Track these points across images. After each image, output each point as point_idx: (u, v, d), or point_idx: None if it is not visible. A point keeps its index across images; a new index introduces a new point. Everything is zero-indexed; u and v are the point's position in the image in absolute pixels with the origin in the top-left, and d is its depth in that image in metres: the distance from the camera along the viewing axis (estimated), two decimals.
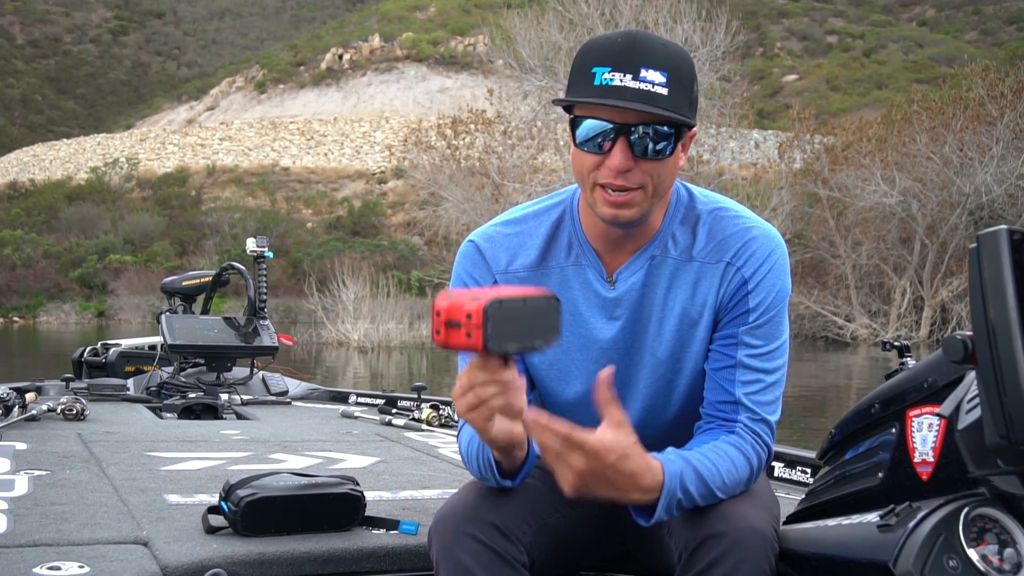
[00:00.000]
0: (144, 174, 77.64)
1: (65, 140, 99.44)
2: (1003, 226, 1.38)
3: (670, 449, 1.70)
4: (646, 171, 1.69)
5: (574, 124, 1.72)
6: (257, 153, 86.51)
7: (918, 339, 26.11)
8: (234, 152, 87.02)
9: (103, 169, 75.01)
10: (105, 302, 46.51)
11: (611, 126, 1.67)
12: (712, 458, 1.71)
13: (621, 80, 1.64)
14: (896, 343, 1.88)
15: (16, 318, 45.92)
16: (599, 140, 1.69)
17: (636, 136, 1.67)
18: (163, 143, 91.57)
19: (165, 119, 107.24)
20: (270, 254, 5.72)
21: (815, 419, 10.55)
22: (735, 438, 1.76)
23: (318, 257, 43.47)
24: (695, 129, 1.77)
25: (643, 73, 1.64)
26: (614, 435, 1.54)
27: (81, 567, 1.89)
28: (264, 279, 5.63)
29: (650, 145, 1.67)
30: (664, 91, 1.64)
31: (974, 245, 1.39)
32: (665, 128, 1.67)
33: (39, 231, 55.69)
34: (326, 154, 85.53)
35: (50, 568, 1.88)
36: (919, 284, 27.98)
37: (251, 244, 5.78)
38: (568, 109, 1.74)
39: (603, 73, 1.65)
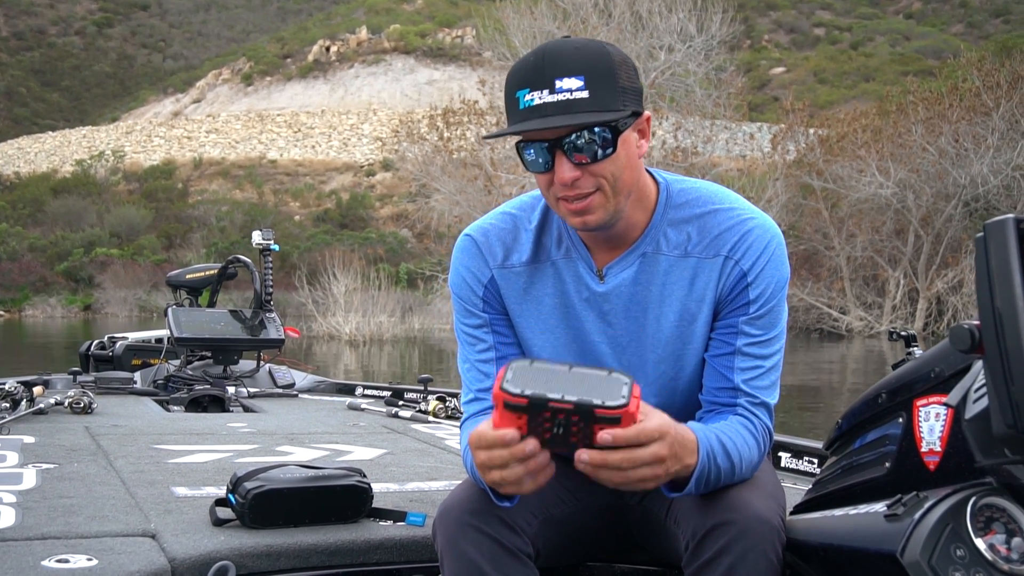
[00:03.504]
0: (130, 167, 77.33)
1: (50, 133, 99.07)
2: (1010, 215, 1.37)
3: (690, 423, 1.71)
4: (596, 174, 1.70)
5: (519, 150, 1.75)
6: (244, 146, 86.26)
7: (913, 331, 26.16)
8: (221, 145, 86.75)
9: (89, 162, 74.63)
10: (92, 295, 46.32)
11: (544, 144, 1.69)
12: (729, 433, 1.72)
13: (540, 98, 1.65)
14: (903, 332, 1.89)
15: (1, 312, 45.68)
16: (540, 160, 1.71)
17: (572, 145, 1.68)
18: (149, 136, 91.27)
19: (151, 111, 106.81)
20: (276, 247, 5.69)
21: (812, 412, 10.59)
22: (741, 419, 1.77)
23: (306, 250, 43.37)
24: (647, 113, 1.77)
25: (559, 84, 1.64)
26: (651, 410, 1.54)
27: (89, 560, 1.89)
28: (270, 272, 5.62)
29: (590, 148, 1.68)
30: (584, 94, 1.64)
31: (981, 234, 1.38)
32: (598, 130, 1.68)
33: (24, 224, 55.39)
34: (313, 147, 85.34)
35: (58, 561, 1.87)
36: (914, 276, 28.01)
37: (257, 237, 5.75)
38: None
39: (524, 95, 1.67)
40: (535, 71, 1.67)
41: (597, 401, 1.42)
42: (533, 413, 1.44)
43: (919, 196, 27.50)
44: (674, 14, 26.06)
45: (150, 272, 46.01)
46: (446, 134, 28.99)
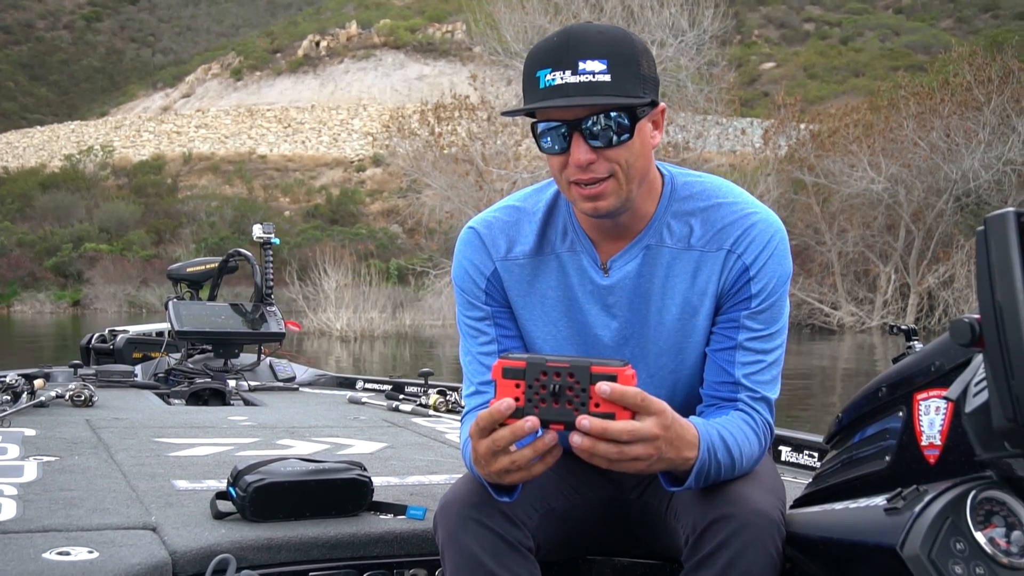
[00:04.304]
0: (119, 162, 77.12)
1: (39, 127, 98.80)
2: (1010, 208, 1.37)
3: (691, 417, 1.70)
4: (611, 159, 1.70)
5: (534, 131, 1.74)
6: (233, 141, 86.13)
7: (913, 325, 26.21)
8: (210, 140, 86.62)
9: (77, 157, 74.35)
10: (80, 291, 46.22)
11: (563, 124, 1.69)
12: (730, 428, 1.72)
13: (562, 78, 1.65)
14: (903, 326, 1.90)
15: None
16: (557, 140, 1.71)
17: (589, 128, 1.68)
18: (138, 131, 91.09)
19: (140, 106, 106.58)
20: (277, 240, 5.69)
21: (801, 407, 10.61)
22: (741, 414, 1.78)
23: (296, 246, 43.33)
24: (663, 105, 1.77)
25: (582, 66, 1.64)
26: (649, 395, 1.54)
27: (90, 552, 1.88)
28: (271, 266, 5.61)
29: (606, 134, 1.68)
30: (606, 78, 1.64)
31: (981, 228, 1.38)
32: (616, 114, 1.68)
33: (12, 219, 55.25)
34: (303, 142, 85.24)
35: (59, 553, 1.87)
36: (905, 271, 28.03)
37: (257, 231, 5.74)
38: (531, 113, 1.75)
39: (545, 75, 1.66)
40: (559, 51, 1.67)
41: (594, 361, 1.46)
42: (530, 376, 1.46)
43: (910, 191, 27.52)
44: (666, 8, 26.00)
45: (139, 267, 45.94)
46: (437, 129, 28.92)
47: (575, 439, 1.47)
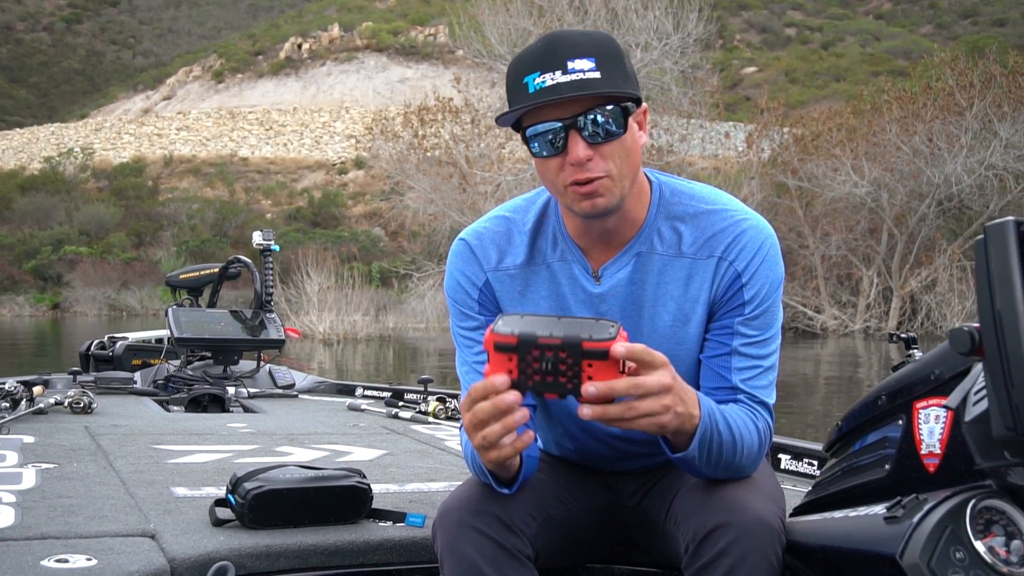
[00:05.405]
0: (99, 164, 76.55)
1: (18, 129, 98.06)
2: (1010, 217, 1.37)
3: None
4: (607, 156, 1.71)
5: (525, 136, 1.75)
6: (215, 143, 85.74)
7: (914, 333, 26.27)
8: (191, 142, 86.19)
9: (57, 159, 73.79)
10: (60, 294, 45.87)
11: (559, 124, 1.70)
12: (726, 410, 1.73)
13: (553, 79, 1.66)
14: (903, 335, 1.91)
15: None
16: (552, 141, 1.71)
17: (585, 125, 1.69)
18: (119, 133, 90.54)
19: (121, 108, 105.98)
20: (276, 247, 5.68)
21: (786, 412, 10.64)
22: (739, 405, 1.78)
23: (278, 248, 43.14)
24: (646, 105, 1.79)
25: (571, 65, 1.66)
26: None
27: (89, 560, 1.88)
28: (270, 272, 5.60)
29: (602, 129, 1.69)
30: (596, 74, 1.66)
31: (981, 236, 1.38)
32: (610, 108, 1.69)
33: None
34: (285, 144, 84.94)
35: (58, 561, 1.87)
36: (887, 275, 28.13)
37: (257, 237, 5.74)
38: (516, 126, 1.76)
39: (534, 79, 1.68)
40: (546, 54, 1.68)
41: (584, 335, 1.46)
42: (522, 352, 1.47)
43: (893, 195, 27.62)
44: (650, 11, 26.03)
45: (119, 270, 45.69)
46: (420, 131, 28.87)
47: (584, 411, 1.47)
